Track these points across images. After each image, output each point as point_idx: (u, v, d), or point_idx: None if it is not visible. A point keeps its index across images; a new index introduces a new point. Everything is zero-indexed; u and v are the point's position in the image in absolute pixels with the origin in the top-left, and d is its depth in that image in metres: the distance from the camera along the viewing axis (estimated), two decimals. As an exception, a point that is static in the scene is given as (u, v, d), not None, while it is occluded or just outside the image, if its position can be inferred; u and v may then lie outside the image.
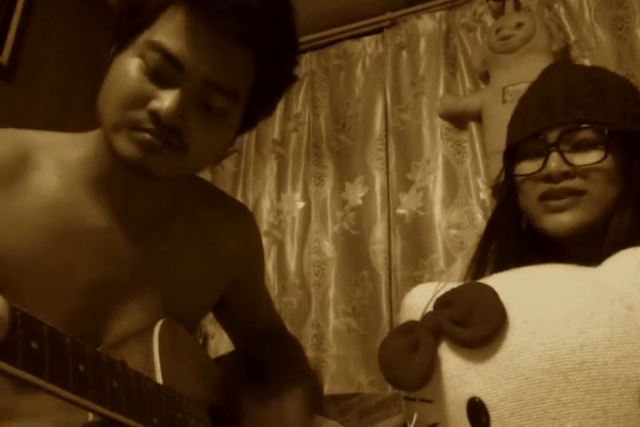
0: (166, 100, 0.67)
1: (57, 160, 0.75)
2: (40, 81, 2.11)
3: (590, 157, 0.82)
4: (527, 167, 0.86)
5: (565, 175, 0.82)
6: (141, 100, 0.67)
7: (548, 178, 0.83)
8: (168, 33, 0.67)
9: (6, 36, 1.99)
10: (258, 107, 0.78)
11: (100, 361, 0.54)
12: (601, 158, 0.81)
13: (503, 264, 0.86)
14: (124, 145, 0.68)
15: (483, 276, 0.89)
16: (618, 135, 0.82)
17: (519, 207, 0.90)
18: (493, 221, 0.96)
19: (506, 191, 0.93)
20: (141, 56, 0.68)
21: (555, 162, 0.82)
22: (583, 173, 0.82)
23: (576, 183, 0.82)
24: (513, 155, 0.90)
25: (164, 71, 0.67)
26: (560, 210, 0.83)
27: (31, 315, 0.46)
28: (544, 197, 0.84)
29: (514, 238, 0.91)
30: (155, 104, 0.67)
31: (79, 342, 0.51)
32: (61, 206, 0.73)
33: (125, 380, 0.57)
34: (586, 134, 0.82)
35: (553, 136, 0.83)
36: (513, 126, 0.92)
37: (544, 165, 0.83)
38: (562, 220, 0.82)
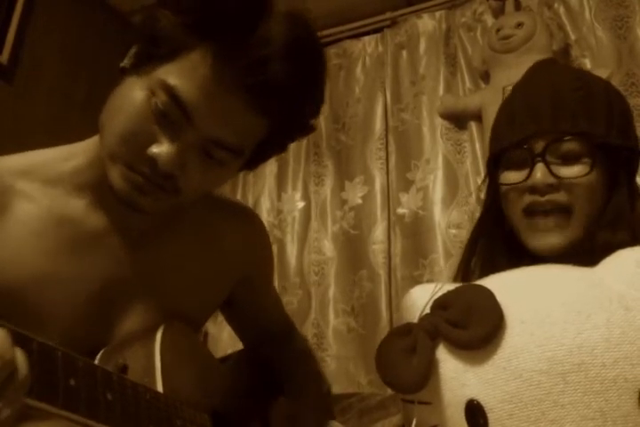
0: (167, 147, 0.65)
1: (43, 180, 0.73)
2: (40, 81, 2.11)
3: (576, 170, 0.81)
4: (512, 176, 0.85)
5: (550, 187, 0.81)
6: (142, 141, 0.66)
7: (533, 189, 0.82)
8: (187, 81, 0.64)
9: (6, 36, 1.98)
10: (268, 151, 0.77)
11: (94, 374, 0.53)
12: (587, 171, 0.80)
13: (489, 268, 0.86)
14: (117, 179, 0.68)
15: (470, 279, 0.89)
16: (603, 147, 0.81)
17: (503, 213, 0.89)
18: (479, 226, 0.95)
19: (490, 197, 0.93)
20: (153, 92, 0.66)
21: (540, 173, 0.81)
22: (568, 186, 0.80)
23: (561, 197, 0.81)
24: (497, 160, 0.89)
25: (171, 116, 0.65)
26: (547, 231, 0.82)
27: (21, 331, 0.45)
28: (529, 210, 0.83)
29: (499, 243, 0.90)
30: (154, 150, 0.65)
31: (71, 355, 0.50)
32: (57, 224, 0.72)
33: (121, 391, 0.56)
34: (572, 145, 0.81)
35: (539, 146, 0.82)
36: (497, 131, 0.91)
37: (529, 175, 0.82)
38: (548, 241, 0.82)
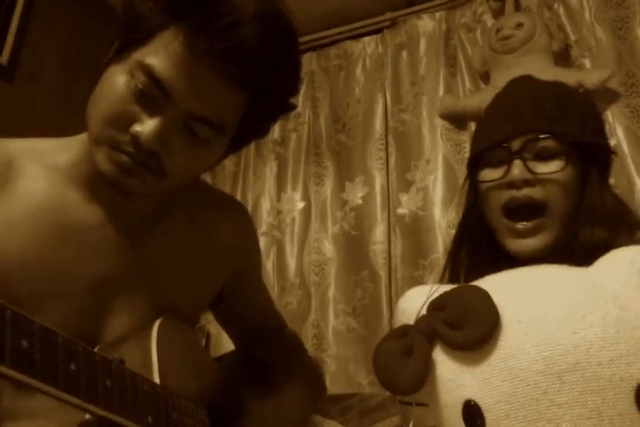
0: (148, 124, 0.67)
1: (45, 166, 0.75)
2: (40, 81, 2.11)
3: (551, 166, 0.84)
4: (490, 174, 0.88)
5: (527, 183, 0.84)
6: (124, 121, 0.68)
7: (511, 185, 0.85)
8: (162, 59, 0.67)
9: (6, 36, 1.98)
10: (250, 131, 0.78)
11: (93, 360, 0.54)
12: (561, 168, 0.83)
13: (474, 270, 0.88)
14: (103, 162, 0.69)
15: (456, 281, 0.90)
16: (577, 147, 0.85)
17: (484, 214, 0.91)
18: (461, 229, 0.97)
19: (471, 198, 0.95)
20: (131, 75, 0.68)
21: (517, 169, 0.84)
22: (543, 181, 0.84)
23: (537, 192, 0.84)
24: (476, 162, 0.92)
25: (150, 95, 0.67)
26: (525, 235, 0.84)
27: (22, 313, 0.46)
28: (507, 206, 0.86)
29: (482, 246, 0.92)
30: (136, 128, 0.67)
31: (72, 340, 0.51)
32: (52, 210, 0.73)
33: (120, 379, 0.57)
34: (548, 144, 0.84)
35: (517, 145, 0.85)
36: (478, 135, 0.96)
37: (507, 172, 0.85)
38: (528, 245, 0.84)
